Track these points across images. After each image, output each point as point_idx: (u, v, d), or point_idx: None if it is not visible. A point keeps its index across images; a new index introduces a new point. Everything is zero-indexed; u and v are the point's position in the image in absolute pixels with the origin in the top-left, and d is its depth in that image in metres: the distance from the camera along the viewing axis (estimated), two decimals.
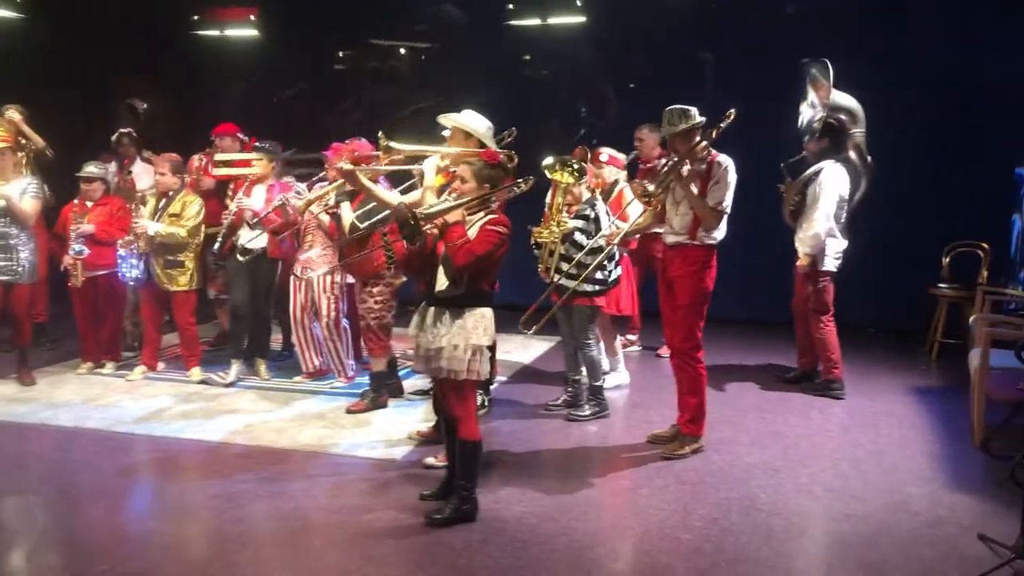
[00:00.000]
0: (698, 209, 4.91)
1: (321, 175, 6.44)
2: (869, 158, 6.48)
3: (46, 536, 4.17)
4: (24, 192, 6.23)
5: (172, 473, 4.95)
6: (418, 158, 5.01)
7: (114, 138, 7.82)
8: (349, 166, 5.18)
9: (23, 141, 7.09)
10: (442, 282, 4.08)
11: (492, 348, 4.57)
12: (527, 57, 9.35)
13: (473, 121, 4.99)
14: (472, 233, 4.05)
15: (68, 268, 6.50)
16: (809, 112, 6.57)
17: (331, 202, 5.90)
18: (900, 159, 7.58)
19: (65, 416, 5.73)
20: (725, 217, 4.97)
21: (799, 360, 6.72)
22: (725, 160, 4.95)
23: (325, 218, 6.01)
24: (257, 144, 6.57)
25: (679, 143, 4.96)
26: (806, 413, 5.99)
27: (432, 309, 4.14)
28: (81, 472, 4.86)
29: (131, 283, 6.56)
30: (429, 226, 4.05)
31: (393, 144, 4.91)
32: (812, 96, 6.56)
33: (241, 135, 7.00)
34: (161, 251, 6.38)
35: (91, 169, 6.66)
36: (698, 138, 4.93)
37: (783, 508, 4.41)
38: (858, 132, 6.44)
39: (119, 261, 6.46)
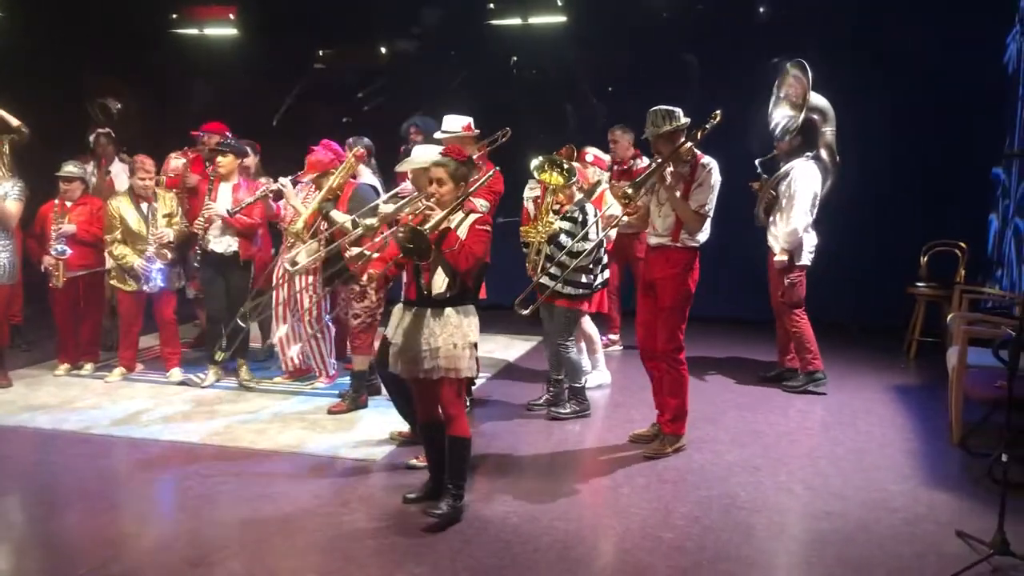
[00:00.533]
0: (680, 212, 4.89)
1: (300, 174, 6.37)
2: (838, 157, 6.56)
3: (25, 539, 4.13)
4: (7, 195, 6.15)
5: (151, 475, 4.90)
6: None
7: (91, 137, 7.75)
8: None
9: None
10: (439, 284, 4.10)
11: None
12: (510, 57, 9.34)
13: (449, 125, 5.00)
14: (462, 233, 4.07)
15: (49, 268, 6.43)
16: (782, 111, 6.61)
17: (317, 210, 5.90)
18: (879, 159, 7.66)
19: (43, 418, 5.67)
20: (708, 220, 4.97)
21: (779, 358, 6.77)
22: (709, 162, 4.93)
23: (301, 208, 5.97)
24: (224, 142, 6.52)
25: (663, 145, 4.92)
26: (786, 411, 6.03)
27: (417, 310, 4.14)
28: (60, 475, 4.82)
29: (161, 287, 6.44)
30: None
31: (370, 221, 4.97)
32: (784, 95, 6.61)
33: (228, 134, 6.92)
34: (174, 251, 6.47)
35: (70, 169, 6.61)
36: (682, 140, 4.91)
37: (763, 506, 4.44)
38: (829, 130, 6.54)
39: (146, 273, 6.35)
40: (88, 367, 6.72)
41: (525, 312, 4.91)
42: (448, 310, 4.10)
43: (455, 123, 5.61)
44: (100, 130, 7.76)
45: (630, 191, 4.75)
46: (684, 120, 4.92)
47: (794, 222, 6.13)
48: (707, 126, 4.92)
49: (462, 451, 4.22)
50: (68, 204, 6.56)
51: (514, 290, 5.06)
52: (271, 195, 6.22)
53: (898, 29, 7.64)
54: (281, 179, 6.10)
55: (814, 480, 4.79)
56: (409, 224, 4.02)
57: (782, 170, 6.32)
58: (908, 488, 4.67)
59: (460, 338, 4.08)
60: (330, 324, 6.36)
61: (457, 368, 4.09)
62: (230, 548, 3.96)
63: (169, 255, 6.42)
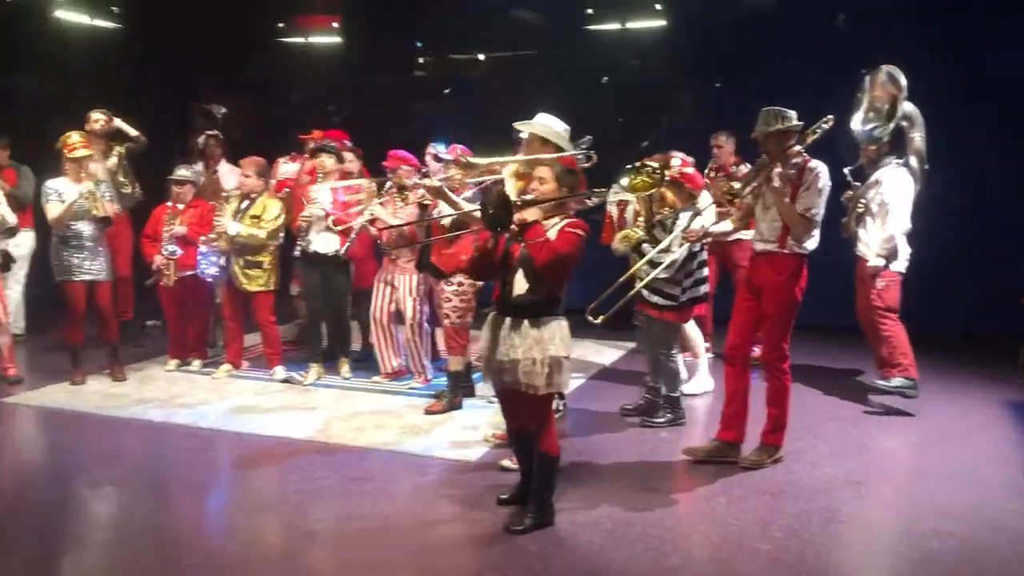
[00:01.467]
0: (786, 215, 4.77)
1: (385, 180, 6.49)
2: (927, 164, 6.32)
3: (139, 528, 4.31)
4: (103, 195, 6.49)
5: (255, 469, 5.08)
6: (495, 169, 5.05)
7: (201, 140, 8.05)
8: (436, 183, 5.18)
9: (113, 143, 7.36)
10: (519, 286, 4.00)
11: None
12: (607, 62, 9.32)
13: (550, 125, 4.99)
14: (551, 236, 4.00)
15: (160, 268, 6.73)
16: (868, 118, 6.39)
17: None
18: (989, 168, 7.37)
19: (154, 412, 5.94)
20: (817, 227, 4.82)
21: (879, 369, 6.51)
22: (818, 165, 4.80)
23: (394, 221, 6.10)
24: (325, 142, 6.69)
25: (772, 144, 4.82)
26: (889, 425, 5.83)
27: (507, 320, 4.04)
28: (170, 467, 5.03)
29: (209, 279, 6.72)
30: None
31: (472, 160, 4.96)
32: (870, 102, 6.40)
33: (348, 142, 7.07)
34: (240, 251, 6.55)
35: (182, 172, 6.91)
36: (792, 141, 4.81)
37: (866, 522, 4.30)
38: (918, 136, 6.30)
39: (199, 258, 6.64)
40: (196, 363, 7.01)
41: (596, 321, 4.88)
42: (526, 322, 3.95)
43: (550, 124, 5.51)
44: (209, 132, 8.04)
45: (736, 187, 4.67)
46: (796, 122, 4.82)
47: (891, 228, 5.95)
48: (817, 129, 4.82)
49: (549, 467, 4.15)
50: (179, 207, 6.85)
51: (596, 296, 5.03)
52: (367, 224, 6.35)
53: (997, 32, 7.32)
54: (374, 207, 6.26)
55: (921, 497, 4.62)
56: (501, 189, 3.99)
57: (872, 178, 6.14)
58: None
59: (539, 353, 3.92)
60: (427, 326, 6.46)
61: (534, 385, 3.94)
62: (329, 543, 4.07)
63: (218, 245, 6.57)
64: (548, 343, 3.95)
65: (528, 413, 4.12)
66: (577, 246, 3.97)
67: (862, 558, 3.94)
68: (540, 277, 3.93)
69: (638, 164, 5.27)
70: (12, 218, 6.58)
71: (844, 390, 6.56)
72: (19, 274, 7.63)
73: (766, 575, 3.77)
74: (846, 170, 6.29)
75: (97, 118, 7.25)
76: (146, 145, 7.46)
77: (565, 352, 4.00)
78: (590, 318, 4.86)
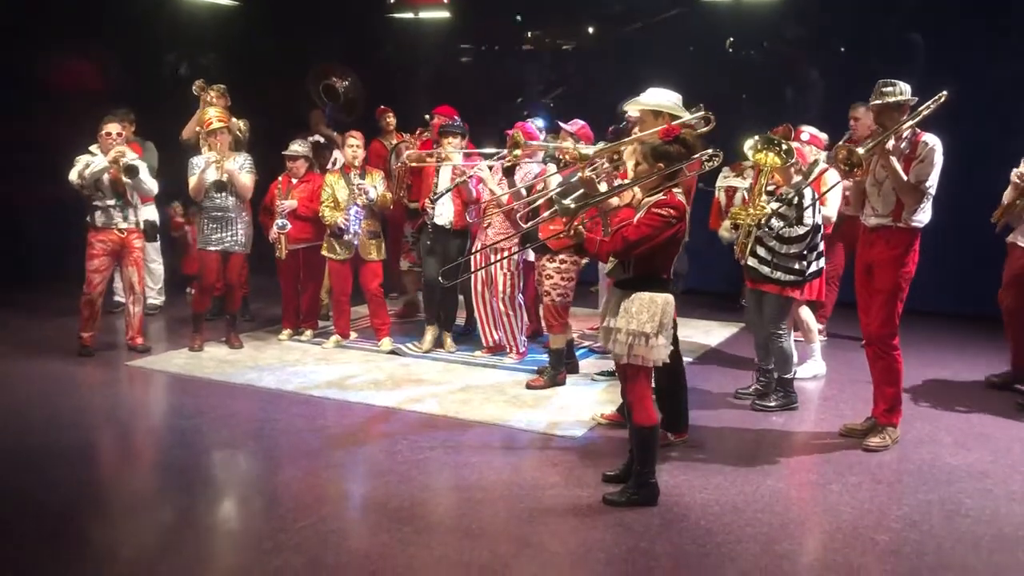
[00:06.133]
0: (900, 187, 4.67)
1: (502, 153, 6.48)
2: None
3: (252, 491, 4.46)
4: (241, 167, 6.68)
5: (364, 437, 5.18)
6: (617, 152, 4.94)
7: (312, 121, 8.18)
8: (589, 174, 5.07)
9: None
10: (612, 261, 4.09)
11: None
12: (720, 33, 9.06)
13: (659, 98, 4.85)
14: (643, 215, 3.96)
15: (274, 241, 6.92)
16: None
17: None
18: None
19: (268, 378, 6.13)
20: (929, 200, 4.70)
21: (1014, 361, 6.15)
22: (932, 140, 4.68)
23: (497, 189, 6.12)
24: (451, 123, 6.75)
25: (887, 118, 4.71)
26: (1018, 415, 5.52)
27: (618, 291, 4.13)
28: (282, 432, 5.18)
29: (349, 235, 6.70)
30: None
31: (592, 151, 4.89)
32: None
33: (456, 117, 7.12)
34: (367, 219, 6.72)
35: (296, 148, 7.06)
36: (906, 115, 4.68)
37: (993, 516, 4.08)
38: None
39: (352, 215, 6.65)
40: (308, 333, 7.20)
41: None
42: (624, 293, 4.05)
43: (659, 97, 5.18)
44: (318, 112, 8.16)
45: (860, 151, 4.49)
46: (910, 96, 4.70)
47: None
48: (932, 104, 4.70)
49: (645, 438, 4.14)
50: (293, 181, 7.01)
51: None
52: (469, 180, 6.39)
53: None
54: (479, 167, 6.26)
55: None
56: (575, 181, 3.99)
57: None
58: None
59: (624, 324, 3.99)
60: (522, 302, 6.46)
61: (617, 354, 4.04)
62: (435, 513, 4.12)
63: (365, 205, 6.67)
64: (634, 316, 3.98)
65: (623, 383, 4.19)
66: (657, 227, 3.92)
67: (988, 556, 3.73)
68: (619, 258, 4.02)
69: (769, 137, 5.11)
70: (155, 187, 6.84)
71: (967, 379, 6.25)
72: (158, 246, 7.99)
73: (882, 567, 3.62)
74: None
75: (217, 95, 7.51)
76: (244, 140, 7.71)
77: (652, 328, 3.97)
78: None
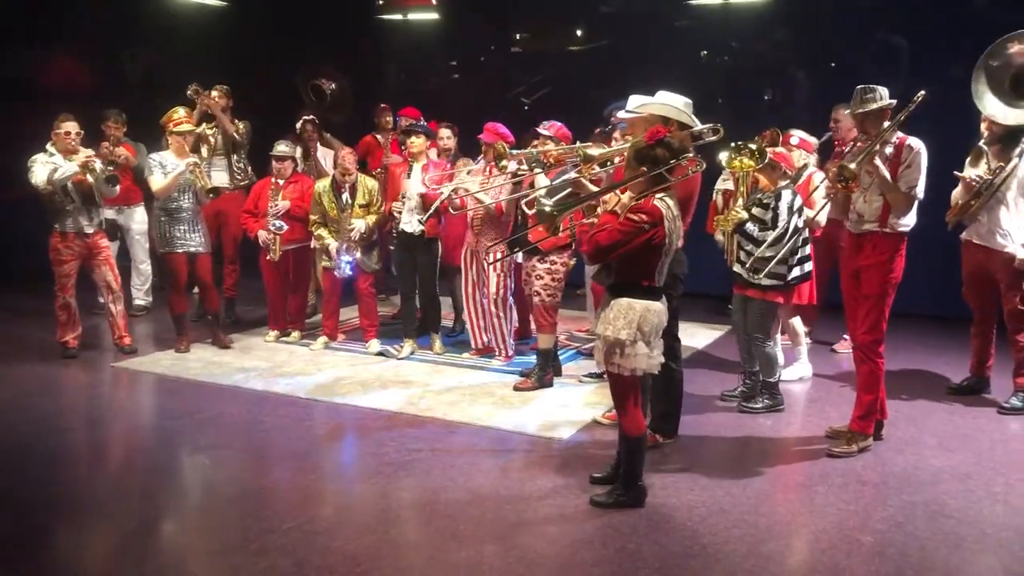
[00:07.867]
0: (889, 194, 4.67)
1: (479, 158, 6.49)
2: None
3: (240, 492, 4.44)
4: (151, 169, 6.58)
5: (350, 439, 5.19)
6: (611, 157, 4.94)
7: (298, 125, 8.12)
8: (579, 177, 4.98)
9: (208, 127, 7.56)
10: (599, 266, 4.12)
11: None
12: (708, 38, 9.10)
13: (669, 102, 4.79)
14: (620, 220, 3.94)
15: (267, 242, 6.89)
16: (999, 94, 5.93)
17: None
18: None
19: (255, 380, 6.11)
20: (916, 204, 4.72)
21: (974, 366, 6.06)
22: (916, 143, 4.69)
23: (485, 198, 6.07)
24: (415, 123, 6.75)
25: (870, 124, 4.72)
26: (1000, 417, 5.55)
27: (604, 295, 4.14)
28: (270, 433, 5.17)
29: (344, 276, 6.72)
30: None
31: (593, 152, 4.88)
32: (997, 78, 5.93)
33: (420, 119, 7.15)
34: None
35: (282, 148, 7.05)
36: (888, 119, 4.69)
37: (975, 517, 4.11)
38: None
39: (342, 262, 6.63)
40: (295, 335, 7.18)
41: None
42: (606, 299, 4.04)
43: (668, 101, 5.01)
44: (306, 117, 8.09)
45: (852, 167, 4.51)
46: (889, 100, 4.70)
47: None
48: (912, 105, 4.70)
49: (632, 448, 4.13)
50: (280, 182, 6.99)
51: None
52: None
53: None
54: (461, 179, 6.25)
55: None
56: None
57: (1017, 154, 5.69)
58: None
59: (601, 331, 3.97)
60: (512, 305, 6.46)
61: (598, 361, 4.06)
62: (422, 515, 4.12)
63: (358, 247, 6.63)
64: (611, 323, 3.95)
65: (612, 391, 4.17)
66: (628, 233, 3.86)
67: (972, 556, 3.77)
68: (591, 261, 4.05)
69: (739, 144, 5.13)
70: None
71: (950, 381, 6.27)
72: (147, 247, 7.95)
73: (868, 567, 3.65)
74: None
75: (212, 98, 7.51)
76: (245, 138, 7.70)
77: (628, 336, 3.89)
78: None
